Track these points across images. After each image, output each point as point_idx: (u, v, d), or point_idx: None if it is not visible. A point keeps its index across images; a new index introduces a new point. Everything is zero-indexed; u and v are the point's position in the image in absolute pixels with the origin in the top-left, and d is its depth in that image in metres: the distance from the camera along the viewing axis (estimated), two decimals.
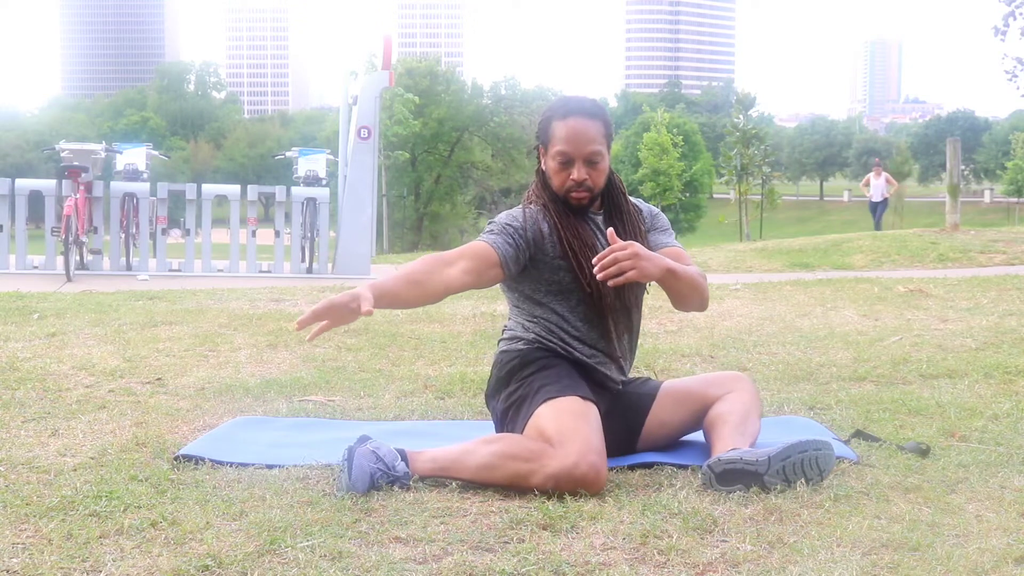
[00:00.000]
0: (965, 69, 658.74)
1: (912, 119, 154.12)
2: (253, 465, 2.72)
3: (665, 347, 4.75)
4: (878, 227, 20.65)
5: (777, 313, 5.92)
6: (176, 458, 2.78)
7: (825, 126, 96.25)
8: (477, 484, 2.53)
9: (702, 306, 2.87)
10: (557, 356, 2.80)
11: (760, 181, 42.88)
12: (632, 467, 2.73)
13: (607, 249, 2.57)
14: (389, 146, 43.22)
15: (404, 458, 2.56)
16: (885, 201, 21.36)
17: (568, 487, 2.45)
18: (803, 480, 2.48)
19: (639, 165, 55.99)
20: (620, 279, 2.56)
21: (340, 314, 2.45)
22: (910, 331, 5.14)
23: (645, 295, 2.96)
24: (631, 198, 2.94)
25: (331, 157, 11.40)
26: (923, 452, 2.84)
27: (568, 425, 2.55)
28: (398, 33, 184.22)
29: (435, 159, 55.50)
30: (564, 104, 2.80)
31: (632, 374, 3.02)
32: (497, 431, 2.85)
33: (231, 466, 2.72)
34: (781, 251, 11.91)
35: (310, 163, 11.29)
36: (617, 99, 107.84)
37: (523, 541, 2.14)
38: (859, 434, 3.03)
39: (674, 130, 56.29)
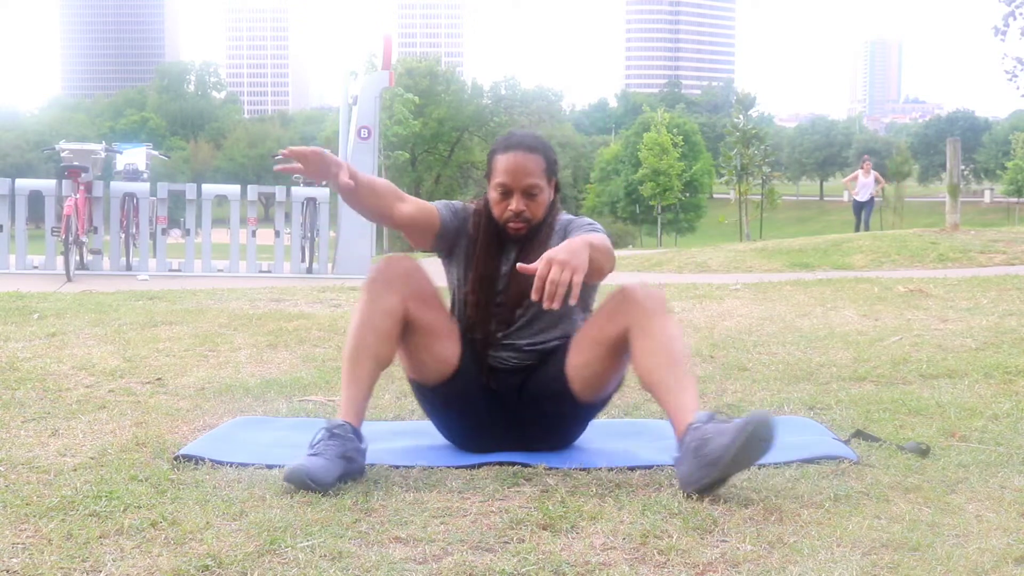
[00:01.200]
0: (965, 69, 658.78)
1: (912, 119, 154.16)
2: (253, 465, 2.72)
3: None
4: (866, 227, 19.03)
5: (777, 313, 5.92)
6: (176, 458, 2.78)
7: (825, 126, 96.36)
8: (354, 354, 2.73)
9: (612, 268, 2.79)
10: None
11: (760, 181, 42.96)
12: (632, 467, 2.73)
13: (537, 279, 2.43)
14: (389, 146, 43.27)
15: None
16: (871, 201, 19.53)
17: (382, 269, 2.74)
18: (756, 457, 2.42)
19: (639, 165, 56.07)
20: (575, 291, 2.42)
21: (321, 167, 2.65)
22: (910, 331, 5.14)
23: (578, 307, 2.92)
24: (566, 218, 2.94)
25: None
26: (923, 452, 2.84)
27: None
28: (398, 33, 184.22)
29: (435, 159, 55.60)
30: (507, 139, 2.91)
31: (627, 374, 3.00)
32: (434, 420, 3.03)
33: (231, 466, 2.72)
34: (781, 251, 11.91)
35: None
36: (617, 99, 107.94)
37: (523, 541, 2.14)
38: (859, 434, 3.04)
39: (674, 130, 56.40)
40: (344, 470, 2.56)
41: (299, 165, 2.64)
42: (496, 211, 2.88)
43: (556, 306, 2.43)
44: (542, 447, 2.89)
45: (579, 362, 2.81)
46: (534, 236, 2.88)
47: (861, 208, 19.29)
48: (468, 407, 2.89)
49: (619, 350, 2.75)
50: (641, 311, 2.70)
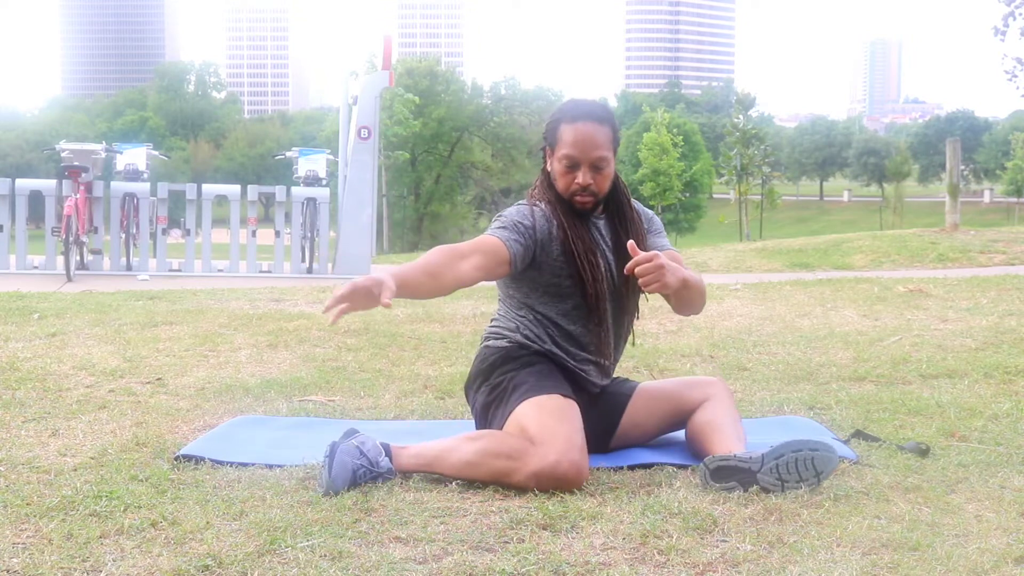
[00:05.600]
0: (965, 69, 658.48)
1: (912, 119, 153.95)
2: (253, 465, 2.72)
3: (665, 347, 4.75)
4: None
5: (777, 313, 5.92)
6: (176, 458, 2.78)
7: (825, 126, 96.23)
8: (460, 479, 2.55)
9: (700, 310, 2.89)
10: (540, 355, 2.81)
11: (760, 181, 42.97)
12: (632, 467, 2.73)
13: (637, 258, 2.57)
14: (389, 146, 43.23)
15: (388, 453, 2.58)
16: None
17: (549, 485, 2.47)
18: (798, 480, 2.46)
19: (639, 165, 56.03)
20: (648, 288, 2.58)
21: (361, 299, 2.39)
22: (910, 331, 5.14)
23: (643, 300, 2.97)
24: (643, 209, 2.98)
25: (331, 157, 11.39)
26: (923, 452, 2.84)
27: (549, 424, 2.57)
28: (398, 33, 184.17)
29: (435, 159, 55.56)
30: (575, 107, 2.80)
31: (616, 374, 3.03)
32: (477, 425, 2.88)
33: (231, 466, 2.72)
34: (781, 251, 11.90)
35: (310, 163, 11.29)
36: (617, 99, 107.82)
37: (523, 541, 2.14)
38: (859, 434, 3.04)
39: (674, 130, 56.31)
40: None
41: (345, 306, 2.39)
42: (560, 184, 2.79)
43: (642, 282, 2.56)
44: None
45: (639, 404, 2.89)
46: (619, 212, 2.86)
47: None
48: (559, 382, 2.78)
49: (677, 416, 2.87)
50: (724, 398, 2.85)
